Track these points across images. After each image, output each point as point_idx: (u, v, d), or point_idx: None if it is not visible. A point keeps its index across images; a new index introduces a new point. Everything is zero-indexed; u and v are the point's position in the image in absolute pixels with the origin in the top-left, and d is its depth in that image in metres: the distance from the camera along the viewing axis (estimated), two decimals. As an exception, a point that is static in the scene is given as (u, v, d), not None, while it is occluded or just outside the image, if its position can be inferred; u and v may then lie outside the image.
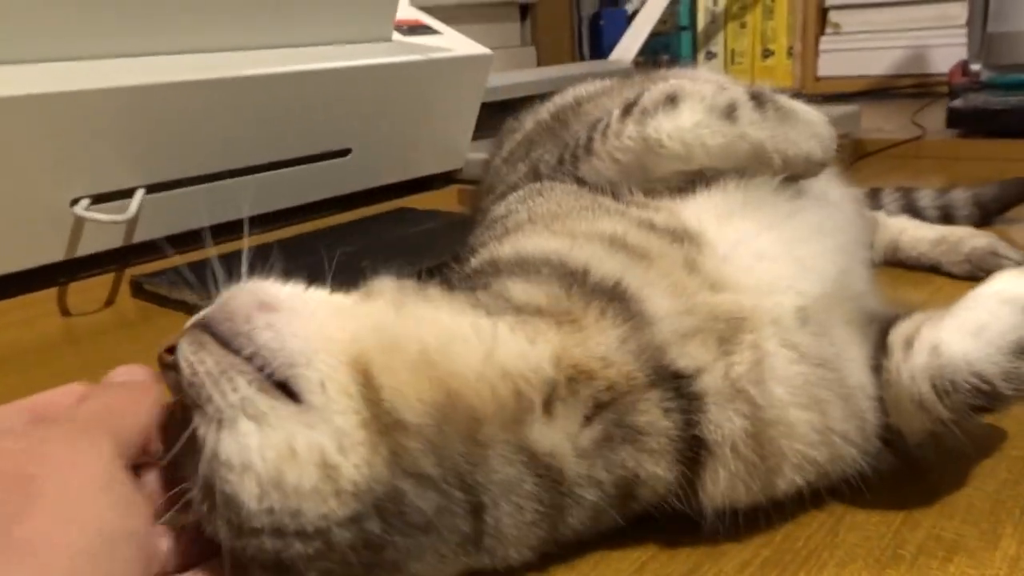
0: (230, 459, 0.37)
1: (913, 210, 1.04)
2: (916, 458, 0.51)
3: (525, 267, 0.47)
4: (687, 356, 0.44)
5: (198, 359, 0.40)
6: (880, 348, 0.49)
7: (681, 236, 0.49)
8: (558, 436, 0.42)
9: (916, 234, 0.94)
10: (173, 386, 0.43)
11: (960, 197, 1.05)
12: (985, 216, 1.04)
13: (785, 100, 0.53)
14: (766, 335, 0.45)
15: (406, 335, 0.42)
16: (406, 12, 1.36)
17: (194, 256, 1.13)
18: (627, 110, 0.54)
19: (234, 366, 0.39)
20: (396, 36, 1.28)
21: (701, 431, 0.44)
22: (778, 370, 0.44)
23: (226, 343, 0.40)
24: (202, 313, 0.42)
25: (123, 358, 0.90)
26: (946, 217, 1.04)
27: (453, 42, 1.34)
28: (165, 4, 0.97)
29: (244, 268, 0.44)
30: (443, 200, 1.42)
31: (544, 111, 0.85)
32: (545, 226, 0.52)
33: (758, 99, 0.52)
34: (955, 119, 1.56)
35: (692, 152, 0.51)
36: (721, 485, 0.45)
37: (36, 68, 0.88)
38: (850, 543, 0.48)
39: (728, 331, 0.45)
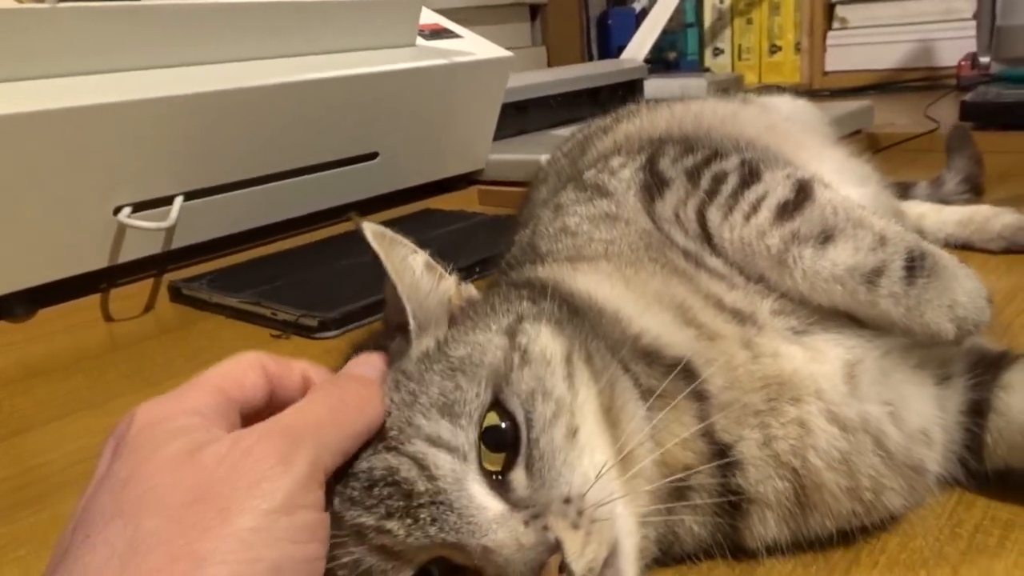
0: None
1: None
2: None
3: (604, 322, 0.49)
4: (730, 428, 0.47)
5: None
6: (984, 383, 0.52)
7: (746, 318, 0.50)
8: None
9: (939, 217, 0.97)
10: None
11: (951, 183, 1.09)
12: (975, 189, 1.08)
13: (946, 271, 0.49)
14: (811, 411, 0.47)
15: None
16: (426, 16, 1.38)
17: (229, 261, 1.16)
18: (782, 214, 0.51)
19: None
20: (419, 41, 1.30)
21: (740, 485, 0.47)
22: (820, 447, 0.47)
23: None
24: None
25: (166, 365, 0.93)
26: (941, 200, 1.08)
27: (474, 45, 1.36)
28: (201, 18, 0.99)
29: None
30: (465, 201, 1.45)
31: (678, 110, 0.84)
32: (621, 275, 0.53)
33: (912, 269, 0.48)
34: (968, 112, 1.58)
35: (815, 295, 0.50)
36: (770, 530, 0.48)
37: (80, 81, 0.91)
38: (907, 526, 0.50)
39: (769, 397, 0.48)
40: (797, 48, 2.54)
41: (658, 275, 0.52)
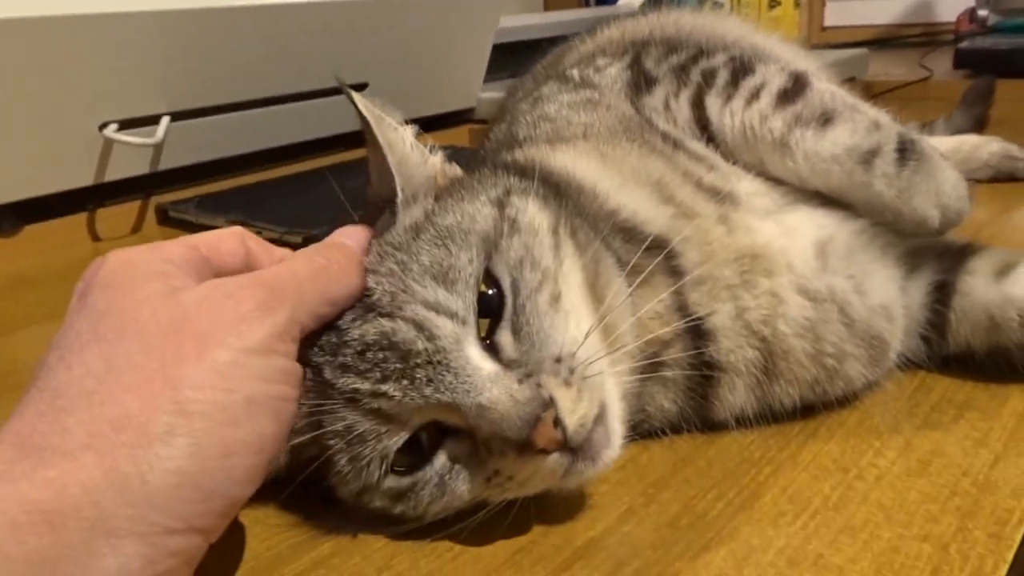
0: None
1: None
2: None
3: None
4: (703, 302, 0.48)
5: None
6: (950, 267, 0.54)
7: (724, 197, 0.51)
8: None
9: None
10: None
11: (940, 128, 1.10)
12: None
13: (932, 159, 0.52)
14: (783, 283, 0.49)
15: None
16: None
17: (217, 187, 1.16)
18: (783, 98, 0.53)
19: None
20: (411, -30, 1.29)
21: (712, 356, 0.49)
22: (789, 316, 0.49)
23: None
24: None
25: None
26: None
27: (467, -23, 1.35)
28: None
29: None
30: (456, 139, 1.44)
31: (660, 18, 0.85)
32: (599, 152, 0.53)
33: (904, 151, 0.51)
34: (962, 60, 1.58)
35: (813, 178, 0.52)
36: (739, 398, 0.50)
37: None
38: (866, 406, 0.52)
39: (743, 270, 0.49)
40: (797, 3, 2.51)
41: (635, 153, 0.53)
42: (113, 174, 1.03)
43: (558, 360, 0.40)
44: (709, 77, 0.57)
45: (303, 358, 0.40)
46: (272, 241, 0.93)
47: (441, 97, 1.41)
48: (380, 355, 0.39)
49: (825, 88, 0.54)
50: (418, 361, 0.39)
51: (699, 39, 0.72)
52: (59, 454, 0.31)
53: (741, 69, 0.56)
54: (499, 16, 1.40)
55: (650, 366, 0.47)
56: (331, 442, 0.41)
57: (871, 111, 0.53)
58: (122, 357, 0.34)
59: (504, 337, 0.41)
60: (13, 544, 0.29)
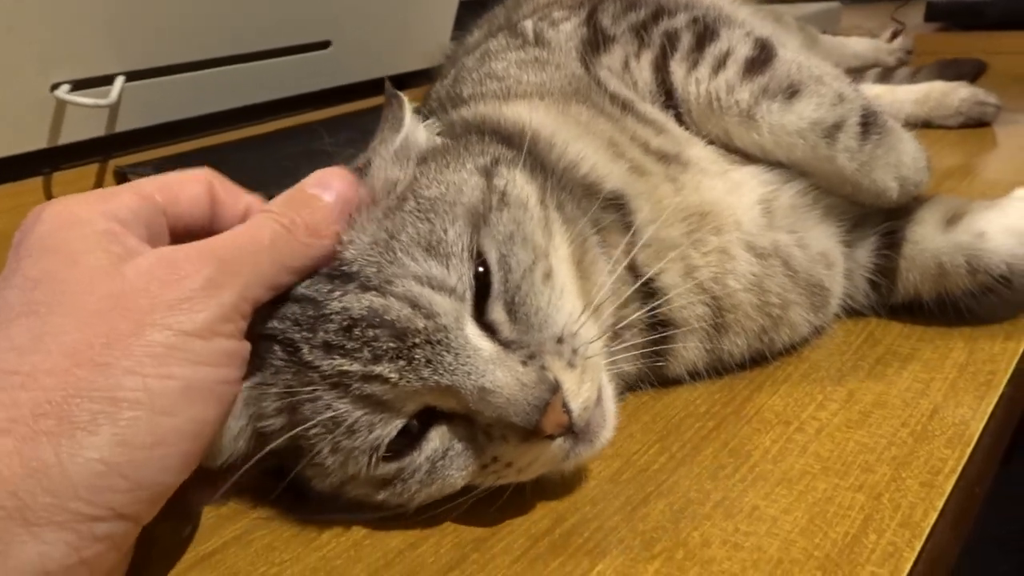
0: None
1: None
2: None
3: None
4: (650, 262, 0.48)
5: None
6: (899, 216, 0.55)
7: (672, 159, 0.51)
8: None
9: (896, 96, 0.97)
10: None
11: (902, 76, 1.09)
12: None
13: (894, 132, 0.52)
14: (730, 240, 0.49)
15: None
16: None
17: (176, 150, 1.14)
18: (750, 68, 0.52)
19: None
20: (372, -76, 1.26)
21: (665, 315, 0.49)
22: (738, 272, 0.49)
23: None
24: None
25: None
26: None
27: (431, -68, 1.31)
28: None
29: None
30: (422, 98, 1.42)
31: None
32: (554, 106, 0.52)
33: (867, 125, 0.51)
34: (933, 13, 1.57)
35: (777, 150, 0.51)
36: (691, 353, 0.50)
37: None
38: (813, 359, 0.52)
39: (691, 229, 0.49)
40: (772, -44, 2.48)
41: (585, 113, 0.52)
42: (68, 137, 1.00)
43: (559, 341, 0.39)
44: (672, 39, 0.55)
45: (261, 330, 0.38)
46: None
47: (407, 55, 1.39)
48: (370, 332, 0.37)
49: (791, 58, 0.53)
50: (416, 340, 0.36)
51: None
52: None
53: (705, 33, 0.55)
54: (465, -30, 1.37)
55: (615, 335, 0.46)
56: (313, 432, 0.38)
57: (835, 83, 0.53)
58: (50, 335, 0.32)
59: (498, 315, 0.39)
60: None
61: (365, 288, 0.38)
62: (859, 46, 1.25)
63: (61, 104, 0.96)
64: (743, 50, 0.53)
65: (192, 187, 0.40)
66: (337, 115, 1.26)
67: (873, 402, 0.47)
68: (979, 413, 0.45)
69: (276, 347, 0.39)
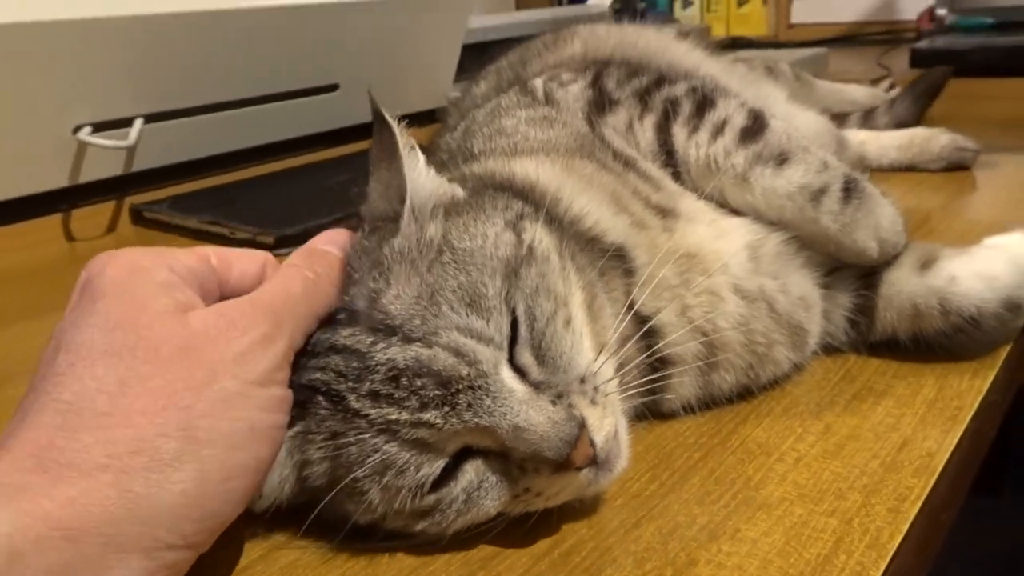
0: None
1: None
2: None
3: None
4: (649, 303, 0.52)
5: None
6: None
7: (668, 213, 0.56)
8: None
9: (881, 143, 1.03)
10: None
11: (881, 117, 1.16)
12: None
13: (873, 197, 0.57)
14: (720, 283, 0.54)
15: None
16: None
17: (191, 187, 1.19)
18: (745, 136, 0.57)
19: None
20: (380, -27, 1.31)
21: (663, 352, 0.52)
22: (727, 312, 0.54)
23: None
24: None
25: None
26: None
27: (435, -20, 1.37)
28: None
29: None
30: (425, 137, 1.46)
31: (624, 39, 0.90)
32: (560, 162, 0.56)
33: (848, 190, 0.56)
34: (918, 59, 1.62)
35: (768, 211, 0.57)
36: (687, 389, 0.54)
37: (38, -3, 0.92)
38: (795, 394, 0.56)
39: (682, 270, 0.53)
40: (764, 0, 2.56)
41: (589, 167, 0.57)
42: (87, 176, 1.05)
43: (582, 380, 0.43)
44: (674, 105, 0.61)
45: (299, 380, 0.42)
46: (245, 242, 0.97)
47: (411, 97, 1.44)
48: (417, 382, 0.40)
49: (781, 129, 0.59)
50: (459, 387, 0.40)
51: (659, 64, 0.76)
52: (77, 471, 0.34)
53: (704, 101, 0.60)
54: (469, 16, 1.43)
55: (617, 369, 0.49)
56: (361, 474, 0.41)
57: (820, 152, 0.58)
58: (135, 379, 0.36)
59: (526, 359, 0.43)
60: (36, 556, 0.32)
61: (409, 340, 0.41)
62: (858, 93, 1.31)
63: (82, 145, 1.01)
64: (738, 119, 0.59)
65: (247, 263, 0.45)
66: (344, 154, 1.31)
67: (848, 435, 0.51)
68: (944, 445, 0.48)
69: (319, 397, 0.42)
